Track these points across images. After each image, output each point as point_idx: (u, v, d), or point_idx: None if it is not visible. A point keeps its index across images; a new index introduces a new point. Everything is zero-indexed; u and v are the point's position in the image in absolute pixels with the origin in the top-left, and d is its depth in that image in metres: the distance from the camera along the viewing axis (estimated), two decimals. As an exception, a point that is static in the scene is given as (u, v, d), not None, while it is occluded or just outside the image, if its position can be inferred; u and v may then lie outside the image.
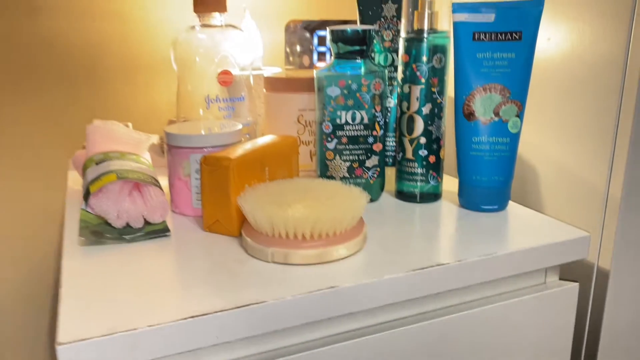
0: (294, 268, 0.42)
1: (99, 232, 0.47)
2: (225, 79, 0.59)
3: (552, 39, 0.58)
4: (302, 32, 0.80)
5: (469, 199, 0.54)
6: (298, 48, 0.81)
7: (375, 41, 0.60)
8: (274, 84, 0.61)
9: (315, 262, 0.42)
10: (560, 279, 0.51)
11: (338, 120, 0.54)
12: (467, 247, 0.46)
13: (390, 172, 0.61)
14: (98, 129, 0.58)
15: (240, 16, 0.76)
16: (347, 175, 0.55)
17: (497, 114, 0.51)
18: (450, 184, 0.60)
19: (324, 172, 0.56)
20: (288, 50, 0.81)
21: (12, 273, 0.81)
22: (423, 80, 0.53)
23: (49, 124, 0.78)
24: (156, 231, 0.49)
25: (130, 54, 0.80)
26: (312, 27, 0.79)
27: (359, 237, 0.45)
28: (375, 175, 0.56)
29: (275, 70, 0.76)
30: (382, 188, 0.57)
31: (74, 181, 0.64)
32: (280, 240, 0.43)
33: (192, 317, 0.35)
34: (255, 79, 0.70)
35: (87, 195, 0.50)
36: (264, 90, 0.63)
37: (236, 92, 0.61)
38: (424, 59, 0.53)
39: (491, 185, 0.53)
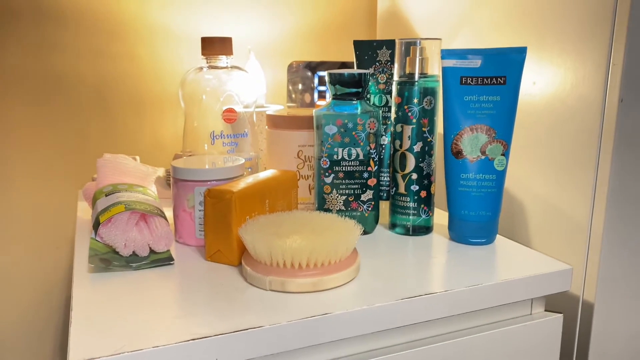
0: (290, 296, 0.44)
1: (107, 259, 0.50)
2: (230, 116, 0.63)
3: (537, 83, 0.61)
4: (304, 71, 0.84)
5: (458, 233, 0.57)
6: (300, 86, 0.85)
7: (370, 83, 0.64)
8: (276, 122, 0.64)
9: (310, 290, 0.45)
10: (545, 310, 0.53)
11: (335, 157, 0.57)
12: (455, 278, 0.48)
13: (385, 206, 0.64)
14: (108, 162, 0.62)
15: (245, 56, 0.81)
16: (343, 208, 0.58)
17: (483, 152, 0.55)
18: (442, 217, 0.63)
19: (322, 205, 0.59)
20: (290, 88, 0.85)
21: (21, 295, 0.83)
22: (414, 121, 0.57)
23: (60, 156, 0.82)
24: (161, 260, 0.51)
25: (138, 91, 0.84)
26: (313, 67, 0.84)
27: (352, 267, 0.47)
28: (370, 209, 0.59)
29: (277, 107, 0.80)
30: (376, 221, 0.60)
31: (84, 211, 0.67)
32: (278, 269, 0.45)
33: (194, 339, 0.38)
34: (257, 115, 0.74)
35: (96, 224, 0.53)
36: (266, 127, 0.66)
37: (240, 129, 0.65)
38: (415, 101, 0.56)
39: (479, 220, 0.56)
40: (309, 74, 0.85)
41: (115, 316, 0.41)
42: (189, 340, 0.37)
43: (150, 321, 0.40)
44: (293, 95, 0.85)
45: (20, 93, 0.78)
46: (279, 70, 0.90)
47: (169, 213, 0.59)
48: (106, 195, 0.56)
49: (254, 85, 0.67)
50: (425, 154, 0.57)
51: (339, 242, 0.46)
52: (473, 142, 0.55)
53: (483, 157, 0.55)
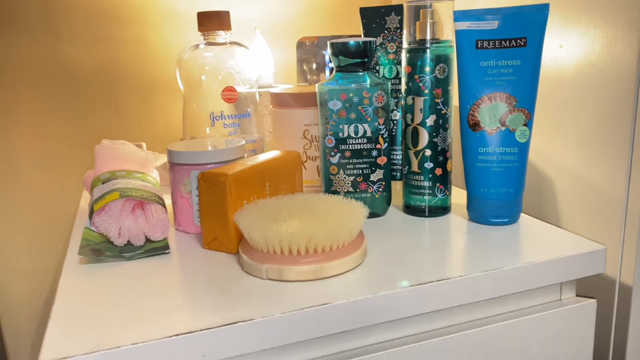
0: (288, 285, 0.41)
1: (99, 250, 0.47)
2: (229, 95, 0.59)
3: (564, 46, 0.55)
4: (317, 49, 0.80)
5: (478, 212, 0.52)
6: (314, 65, 0.80)
7: (379, 53, 0.59)
8: (279, 100, 0.60)
9: (310, 278, 0.41)
10: (577, 295, 0.48)
11: (341, 134, 0.53)
12: (473, 262, 0.44)
13: (399, 186, 0.59)
14: (106, 148, 0.59)
15: (251, 35, 0.77)
16: (351, 189, 0.54)
17: (503, 123, 0.50)
18: (460, 196, 0.58)
19: (329, 187, 0.55)
20: (305, 67, 0.81)
21: (35, 283, 0.82)
22: (426, 92, 0.52)
23: (70, 144, 0.80)
24: (156, 249, 0.48)
25: (147, 76, 0.81)
26: (325, 43, 0.79)
27: (357, 252, 0.43)
28: (380, 189, 0.54)
29: (286, 87, 0.76)
30: (388, 202, 0.56)
31: (86, 200, 0.65)
32: (275, 256, 0.42)
33: (177, 335, 0.34)
34: (264, 96, 0.70)
35: (91, 213, 0.50)
36: (271, 106, 0.62)
37: (242, 109, 0.61)
38: (427, 69, 0.51)
39: (500, 198, 0.51)
40: (322, 51, 0.80)
41: (100, 311, 0.38)
42: (172, 336, 0.34)
43: (136, 316, 0.37)
44: (308, 76, 0.81)
45: (27, 81, 0.76)
46: (288, 48, 0.86)
47: (169, 200, 0.56)
48: (103, 183, 0.54)
49: (256, 62, 0.63)
50: (440, 127, 0.53)
51: (341, 225, 0.42)
52: (492, 112, 0.49)
53: (503, 129, 0.50)
